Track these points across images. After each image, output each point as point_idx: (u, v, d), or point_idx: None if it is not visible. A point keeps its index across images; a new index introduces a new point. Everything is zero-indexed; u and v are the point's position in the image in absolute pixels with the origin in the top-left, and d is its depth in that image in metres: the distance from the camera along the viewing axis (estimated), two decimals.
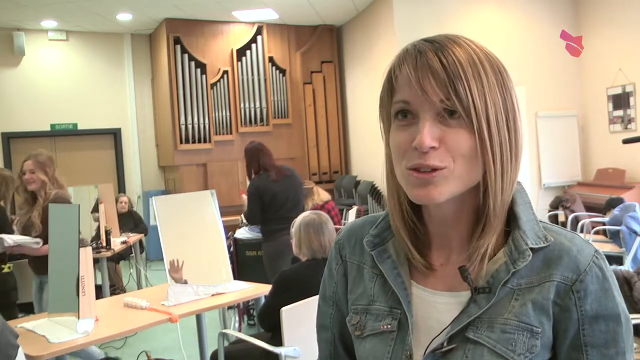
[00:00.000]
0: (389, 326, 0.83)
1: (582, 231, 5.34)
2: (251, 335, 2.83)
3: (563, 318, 0.76)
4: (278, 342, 2.57)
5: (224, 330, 2.85)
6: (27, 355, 2.24)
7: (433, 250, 0.85)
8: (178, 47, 8.04)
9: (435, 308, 0.81)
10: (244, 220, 4.93)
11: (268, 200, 4.18)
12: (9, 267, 3.73)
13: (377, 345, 0.84)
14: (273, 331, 2.69)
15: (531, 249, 0.77)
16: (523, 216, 0.80)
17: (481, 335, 0.76)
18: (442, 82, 0.73)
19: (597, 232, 5.18)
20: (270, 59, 8.62)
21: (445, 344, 0.78)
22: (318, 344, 1.00)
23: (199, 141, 8.13)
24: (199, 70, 8.13)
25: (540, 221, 0.82)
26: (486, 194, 0.78)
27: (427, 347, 0.79)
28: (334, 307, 0.96)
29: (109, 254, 4.98)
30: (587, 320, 0.75)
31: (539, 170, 7.58)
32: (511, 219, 0.80)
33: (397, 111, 0.78)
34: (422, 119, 0.74)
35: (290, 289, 2.64)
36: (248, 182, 4.38)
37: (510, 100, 0.78)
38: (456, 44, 0.76)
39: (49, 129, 8.35)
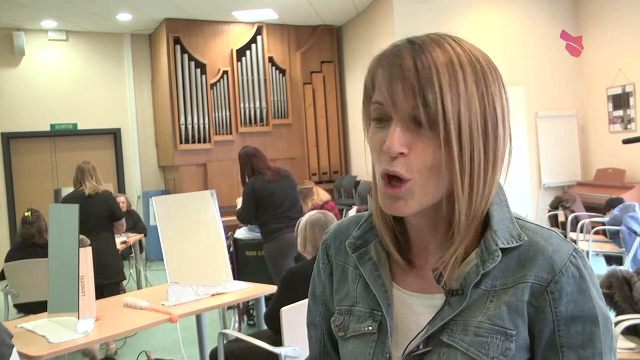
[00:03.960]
0: (369, 328, 0.83)
1: (582, 231, 5.34)
2: (251, 335, 2.83)
3: (538, 319, 0.75)
4: (278, 342, 2.57)
5: (223, 331, 2.85)
6: (27, 356, 2.24)
7: (413, 252, 0.85)
8: (178, 47, 8.04)
9: (414, 310, 0.81)
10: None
11: (266, 200, 4.18)
12: None
13: (358, 347, 0.84)
14: (280, 332, 2.68)
15: (502, 249, 0.76)
16: (496, 215, 0.78)
17: (455, 338, 0.76)
18: (411, 88, 0.71)
19: (597, 232, 5.18)
20: (270, 59, 8.62)
21: (421, 346, 0.78)
22: (309, 341, 1.01)
23: (199, 141, 8.13)
24: (198, 70, 8.13)
25: (519, 219, 0.80)
26: (455, 205, 0.76)
27: (405, 350, 0.79)
28: (323, 306, 0.96)
29: None
30: (562, 321, 0.74)
31: (539, 170, 7.58)
32: (486, 219, 0.79)
33: (374, 111, 0.77)
34: (393, 123, 0.73)
35: (298, 286, 2.64)
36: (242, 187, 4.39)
37: (492, 108, 0.74)
38: (438, 46, 0.73)
39: (49, 129, 8.35)
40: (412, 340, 0.79)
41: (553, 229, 0.81)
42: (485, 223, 0.79)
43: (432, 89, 0.71)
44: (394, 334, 0.81)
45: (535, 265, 0.75)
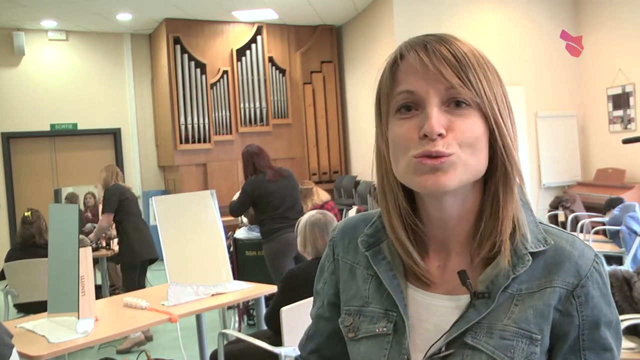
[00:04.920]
0: (384, 329, 0.82)
1: (582, 231, 5.34)
2: (251, 335, 2.83)
3: (564, 323, 0.75)
4: (278, 342, 2.57)
5: (223, 330, 2.85)
6: (27, 356, 2.24)
7: (430, 252, 0.83)
8: (178, 47, 8.03)
9: (433, 311, 0.80)
10: (244, 220, 4.94)
11: (265, 200, 4.19)
12: None
13: (372, 348, 0.82)
14: (280, 333, 2.68)
15: (531, 253, 0.76)
16: (523, 218, 0.78)
17: (479, 341, 0.75)
18: (455, 69, 0.73)
19: (597, 232, 5.18)
20: (270, 59, 8.62)
21: (443, 349, 0.77)
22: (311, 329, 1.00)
23: (199, 141, 8.13)
24: (198, 70, 8.13)
25: (540, 223, 0.81)
26: (492, 190, 0.78)
27: (427, 352, 0.77)
28: (321, 302, 0.96)
29: (109, 254, 4.99)
30: (587, 326, 0.75)
31: (539, 170, 7.58)
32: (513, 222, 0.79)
33: (399, 104, 0.76)
34: (429, 107, 0.73)
35: (299, 287, 2.63)
36: None
37: (508, 98, 0.79)
38: (455, 39, 0.77)
39: (49, 129, 8.35)
40: (435, 342, 0.77)
41: (574, 234, 0.82)
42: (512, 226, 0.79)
43: (470, 69, 0.73)
44: (412, 335, 0.80)
45: (562, 270, 0.76)
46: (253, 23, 8.45)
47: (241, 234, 4.77)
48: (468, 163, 0.74)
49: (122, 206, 4.68)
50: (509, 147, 0.76)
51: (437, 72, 0.73)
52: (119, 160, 8.83)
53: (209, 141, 8.19)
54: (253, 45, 8.49)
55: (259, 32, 8.50)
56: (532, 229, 0.78)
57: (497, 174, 0.77)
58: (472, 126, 0.74)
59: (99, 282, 5.20)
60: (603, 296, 0.76)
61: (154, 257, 4.80)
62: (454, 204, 0.78)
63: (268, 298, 3.33)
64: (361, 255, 0.88)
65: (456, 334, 0.76)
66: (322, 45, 9.09)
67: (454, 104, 0.74)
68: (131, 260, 4.64)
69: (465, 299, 0.77)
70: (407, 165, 0.75)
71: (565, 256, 0.77)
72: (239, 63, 8.41)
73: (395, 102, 0.76)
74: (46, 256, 2.83)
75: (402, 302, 0.81)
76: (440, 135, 0.72)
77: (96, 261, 4.76)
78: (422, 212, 0.82)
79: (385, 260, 0.84)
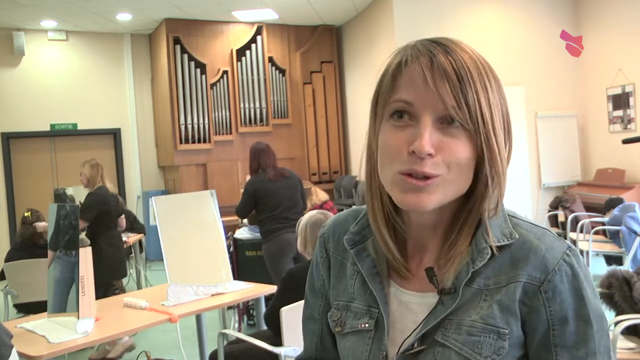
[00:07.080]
0: (366, 325, 0.84)
1: (582, 231, 5.34)
2: (251, 335, 2.83)
3: (532, 319, 0.75)
4: (278, 342, 2.57)
5: (223, 331, 2.84)
6: (27, 356, 2.24)
7: (410, 251, 0.85)
8: (178, 47, 8.04)
9: (410, 308, 0.82)
10: (244, 220, 4.95)
11: (263, 200, 4.20)
12: None
13: (356, 343, 0.85)
14: (280, 333, 2.68)
15: (496, 246, 0.76)
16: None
17: (449, 338, 0.76)
18: (454, 88, 0.72)
19: (597, 232, 5.18)
20: (270, 59, 8.62)
21: (415, 345, 0.78)
22: (303, 335, 1.00)
23: (199, 141, 8.13)
24: (198, 70, 8.13)
25: (513, 217, 0.81)
26: (471, 202, 0.78)
27: (399, 348, 0.79)
28: (323, 299, 0.96)
29: None
30: (556, 321, 0.74)
31: (539, 170, 7.58)
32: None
33: (394, 110, 0.76)
34: (422, 123, 0.73)
35: (298, 287, 2.63)
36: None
37: (507, 110, 0.78)
38: (461, 48, 0.75)
39: (48, 129, 8.35)
40: (407, 338, 0.79)
41: (548, 228, 0.81)
42: (479, 222, 0.79)
43: (471, 89, 0.72)
44: (391, 332, 0.82)
45: (527, 264, 0.75)
46: (253, 23, 8.45)
47: (241, 234, 4.77)
48: (453, 184, 0.75)
49: (101, 218, 4.26)
50: (499, 173, 0.76)
51: (436, 92, 0.72)
52: (119, 160, 8.84)
53: (209, 141, 8.19)
54: (253, 46, 8.49)
55: (258, 32, 8.50)
56: (498, 224, 0.78)
57: (478, 192, 0.77)
58: (463, 148, 0.74)
59: None
60: (574, 290, 0.74)
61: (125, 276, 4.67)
62: (433, 213, 0.79)
63: (268, 298, 3.33)
64: (349, 252, 0.89)
65: (425, 330, 0.78)
66: (322, 45, 9.09)
67: (447, 122, 0.73)
68: (105, 280, 4.18)
69: (436, 295, 0.79)
70: (392, 178, 0.76)
71: (532, 250, 0.76)
72: (239, 63, 8.41)
73: (391, 107, 0.76)
74: (46, 256, 2.83)
75: (383, 299, 0.83)
76: (429, 155, 0.72)
77: None
78: (403, 214, 0.84)
79: (369, 258, 0.86)
